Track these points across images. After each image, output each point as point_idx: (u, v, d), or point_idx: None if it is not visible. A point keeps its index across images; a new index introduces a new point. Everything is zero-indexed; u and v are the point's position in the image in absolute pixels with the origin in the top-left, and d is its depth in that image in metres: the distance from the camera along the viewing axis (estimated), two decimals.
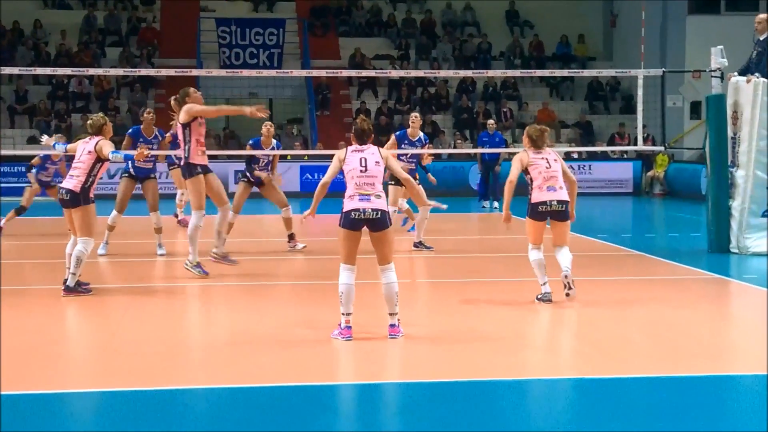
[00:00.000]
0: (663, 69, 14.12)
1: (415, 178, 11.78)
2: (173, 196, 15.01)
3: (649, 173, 21.52)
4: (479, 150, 18.00)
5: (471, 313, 8.04)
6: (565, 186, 8.38)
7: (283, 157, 12.21)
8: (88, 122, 9.03)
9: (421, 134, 12.09)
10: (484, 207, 18.02)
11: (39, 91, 23.04)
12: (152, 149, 11.35)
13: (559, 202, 8.27)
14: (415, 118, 12.15)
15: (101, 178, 8.91)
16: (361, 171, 6.93)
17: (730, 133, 11.52)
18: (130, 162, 11.08)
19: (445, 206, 11.37)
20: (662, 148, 13.51)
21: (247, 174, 11.53)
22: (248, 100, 23.98)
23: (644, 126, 13.68)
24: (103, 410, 5.46)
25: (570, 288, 8.21)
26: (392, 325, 6.95)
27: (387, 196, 8.57)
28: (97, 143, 8.72)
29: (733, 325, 8.10)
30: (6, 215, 13.20)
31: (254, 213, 15.14)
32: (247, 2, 26.35)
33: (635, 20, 22.58)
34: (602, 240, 12.76)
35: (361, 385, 5.98)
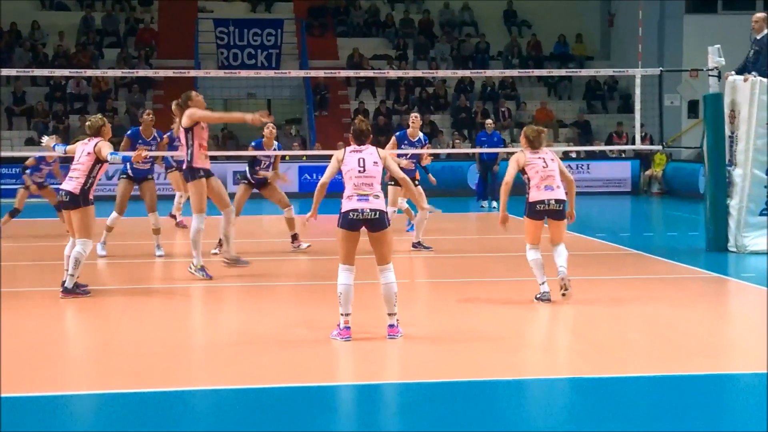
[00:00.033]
0: (660, 68, 14.15)
1: (416, 178, 11.85)
2: (171, 197, 15.02)
3: (647, 172, 21.54)
4: (478, 150, 18.02)
5: (470, 312, 8.05)
6: (562, 185, 8.41)
7: (281, 158, 12.21)
8: (87, 124, 9.04)
9: (421, 135, 12.10)
10: (482, 207, 18.04)
11: (37, 92, 23.03)
12: (151, 150, 11.36)
13: (557, 201, 8.30)
14: (415, 118, 12.16)
15: (99, 180, 8.91)
16: (359, 171, 6.94)
17: (727, 132, 11.54)
18: (128, 163, 11.07)
19: (439, 210, 11.40)
20: (660, 147, 13.52)
21: (248, 176, 11.51)
22: (246, 100, 24.02)
23: (642, 125, 13.69)
24: (103, 412, 5.47)
25: (566, 289, 8.25)
26: (391, 326, 6.96)
27: (386, 196, 8.60)
28: (95, 145, 8.73)
29: (731, 323, 8.11)
30: (2, 218, 13.19)
31: (254, 213, 15.13)
32: (245, 3, 26.34)
33: (633, 19, 22.56)
34: (601, 239, 12.77)
35: (360, 385, 5.99)
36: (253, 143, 11.64)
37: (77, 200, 8.59)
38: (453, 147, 21.22)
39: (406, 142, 11.87)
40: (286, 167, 19.74)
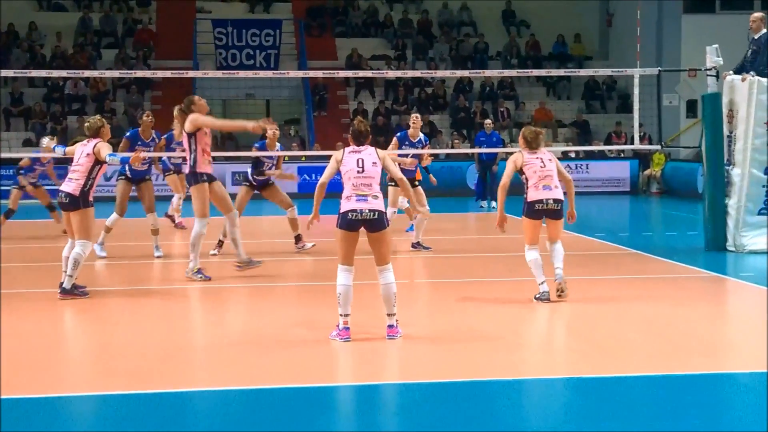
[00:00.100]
0: (659, 68, 14.14)
1: (417, 179, 11.85)
2: (169, 197, 15.00)
3: (646, 172, 21.55)
4: (477, 150, 18.02)
5: (469, 312, 8.05)
6: (560, 186, 8.42)
7: (271, 158, 12.17)
8: (86, 125, 9.03)
9: (422, 135, 12.11)
10: (482, 207, 18.04)
11: (34, 93, 23.01)
12: (149, 151, 11.36)
13: (555, 200, 8.33)
14: (415, 118, 12.16)
15: (98, 181, 8.90)
16: (358, 172, 6.94)
17: (725, 132, 11.55)
18: (126, 164, 11.07)
19: (429, 215, 11.45)
20: (659, 147, 13.52)
21: (249, 177, 11.49)
22: (245, 101, 24.02)
23: (641, 125, 13.69)
24: (102, 413, 5.47)
25: (563, 291, 8.29)
26: (390, 326, 6.96)
27: (386, 197, 8.60)
28: (95, 146, 8.73)
29: (730, 323, 8.12)
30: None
31: (255, 214, 15.12)
32: (244, 3, 26.34)
33: (631, 19, 22.58)
34: (600, 239, 12.78)
35: (359, 386, 5.99)
36: (256, 144, 11.62)
37: (77, 202, 8.59)
38: (452, 147, 21.22)
39: (407, 142, 11.89)
40: (285, 168, 19.70)
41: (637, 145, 13.75)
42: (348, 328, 6.89)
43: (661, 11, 23.64)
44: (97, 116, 9.34)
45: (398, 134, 12.14)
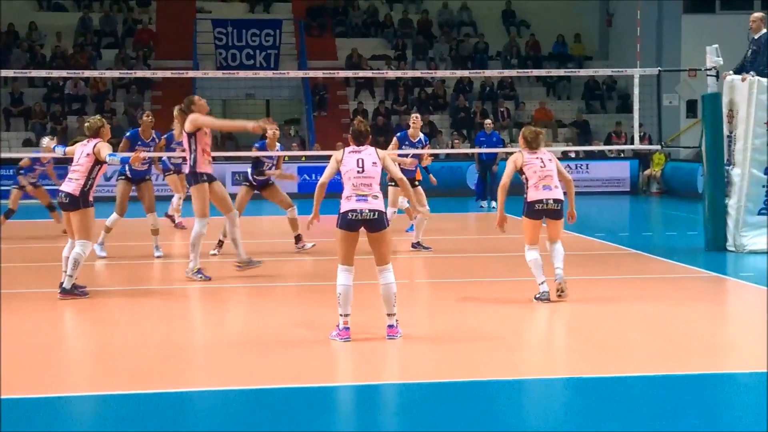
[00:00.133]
0: (659, 68, 14.14)
1: (417, 179, 11.84)
2: (169, 197, 15.00)
3: (646, 172, 21.55)
4: (477, 150, 18.02)
5: (469, 312, 8.05)
6: (561, 186, 8.43)
7: (272, 158, 12.17)
8: (86, 125, 9.03)
9: (422, 135, 12.11)
10: (482, 207, 18.04)
11: (34, 93, 23.01)
12: (149, 151, 11.37)
13: (555, 200, 8.34)
14: (415, 119, 12.15)
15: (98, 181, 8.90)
16: (358, 172, 6.94)
17: (725, 132, 11.55)
18: (126, 164, 11.07)
19: (429, 215, 11.47)
20: (659, 147, 13.51)
21: (250, 177, 11.49)
22: (245, 101, 24.01)
23: (641, 125, 13.70)
24: (102, 413, 5.47)
25: (563, 291, 8.31)
26: (390, 326, 6.96)
27: (386, 197, 8.60)
28: (95, 146, 8.73)
29: (730, 322, 8.12)
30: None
31: (254, 214, 15.13)
32: (244, 3, 26.33)
33: (631, 19, 22.57)
34: (600, 239, 12.78)
35: (359, 386, 5.99)
36: (256, 144, 11.62)
37: (77, 202, 8.59)
38: (452, 147, 21.22)
39: (407, 142, 11.88)
40: (285, 168, 19.70)
41: (637, 145, 13.75)
42: (348, 328, 6.89)
43: (661, 11, 23.64)
44: (97, 116, 9.34)
45: (398, 134, 12.14)
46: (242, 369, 6.25)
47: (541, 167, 8.36)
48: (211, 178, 9.53)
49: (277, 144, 11.62)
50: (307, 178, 19.74)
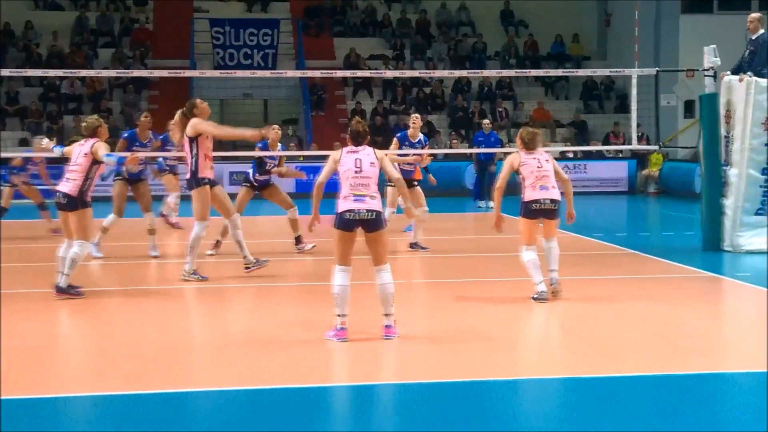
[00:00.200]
0: (657, 68, 14.13)
1: (415, 179, 11.83)
2: (162, 197, 14.96)
3: (644, 172, 21.55)
4: (475, 150, 18.01)
5: (467, 312, 8.04)
6: (558, 186, 8.43)
7: (273, 158, 12.15)
8: (83, 124, 9.02)
9: (422, 135, 12.08)
10: (479, 207, 18.04)
11: (30, 92, 22.97)
12: (146, 150, 11.37)
13: (552, 200, 8.34)
14: (415, 119, 12.13)
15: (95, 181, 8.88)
16: (355, 172, 6.93)
17: (723, 132, 11.55)
18: (122, 165, 11.05)
19: (425, 218, 11.49)
20: (656, 147, 13.51)
21: (251, 178, 11.45)
22: (242, 100, 23.99)
23: (639, 125, 13.70)
24: (99, 414, 5.45)
25: (557, 293, 8.34)
26: (387, 326, 6.95)
27: (384, 197, 8.59)
28: (92, 145, 8.71)
29: (727, 322, 8.12)
30: None
31: (253, 214, 15.11)
32: (241, 2, 26.31)
33: (629, 20, 22.58)
34: (597, 239, 12.77)
35: (356, 386, 5.98)
36: (259, 144, 11.61)
37: (75, 202, 8.57)
38: (450, 147, 21.21)
39: (406, 143, 11.87)
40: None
41: (635, 146, 13.75)
42: (345, 329, 6.88)
43: (659, 11, 23.65)
44: (95, 116, 9.33)
45: (398, 135, 12.13)
46: (239, 369, 6.23)
47: (538, 167, 8.36)
48: (212, 183, 9.53)
49: (279, 144, 11.63)
50: (305, 177, 19.68)
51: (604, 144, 21.51)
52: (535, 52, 25.55)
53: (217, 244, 11.26)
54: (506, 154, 10.22)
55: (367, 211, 6.85)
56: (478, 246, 12.58)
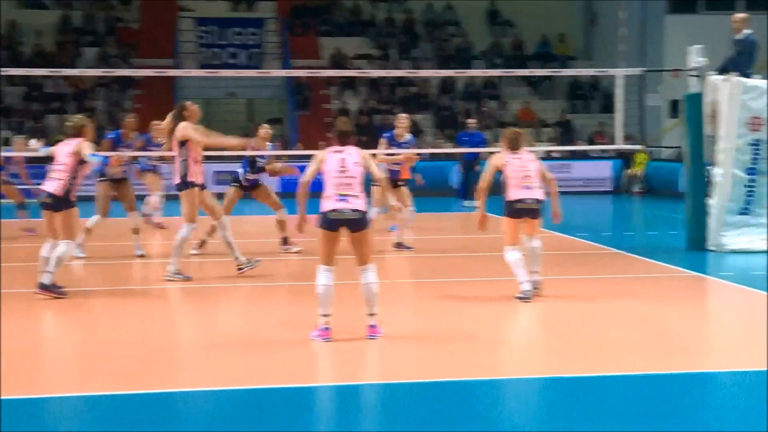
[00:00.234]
0: (642, 68, 14.19)
1: (401, 179, 11.81)
2: (143, 197, 14.87)
3: (629, 171, 21.60)
4: (460, 149, 18.01)
5: (450, 312, 8.03)
6: (543, 186, 8.45)
7: (263, 157, 12.11)
8: (68, 124, 8.97)
9: (409, 136, 12.05)
10: (464, 206, 18.05)
11: (14, 92, 22.81)
12: (129, 150, 11.33)
13: (536, 200, 8.36)
14: (402, 119, 12.09)
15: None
16: (340, 171, 6.91)
17: (708, 132, 11.59)
18: (105, 165, 10.99)
19: (403, 219, 11.51)
20: (641, 147, 13.55)
21: (240, 178, 11.40)
22: (227, 100, 23.92)
23: (624, 125, 13.73)
24: (84, 414, 5.41)
25: (538, 292, 8.37)
26: (371, 326, 6.93)
27: (370, 197, 8.57)
28: (77, 145, 8.67)
29: (710, 322, 8.14)
30: None
31: (240, 214, 15.04)
32: (227, 1, 26.23)
33: (615, 20, 22.68)
34: (582, 238, 12.80)
35: (339, 386, 5.95)
36: (252, 143, 11.56)
37: (60, 203, 8.53)
38: (435, 147, 21.21)
39: (393, 143, 11.83)
40: None
41: (619, 145, 13.79)
42: (328, 329, 6.85)
43: (644, 12, 23.74)
44: (80, 115, 9.28)
45: (385, 134, 12.09)
46: (222, 369, 6.20)
47: (521, 167, 8.39)
48: (202, 186, 9.51)
49: (269, 144, 11.60)
50: (297, 173, 19.66)
51: (589, 144, 21.58)
52: (520, 51, 25.60)
53: (202, 243, 11.21)
54: (491, 153, 10.21)
55: (352, 210, 6.83)
56: (462, 246, 12.58)
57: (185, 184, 9.37)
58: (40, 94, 22.67)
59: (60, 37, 24.29)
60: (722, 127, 11.39)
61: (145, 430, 5.01)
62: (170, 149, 9.65)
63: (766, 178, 11.39)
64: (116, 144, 11.36)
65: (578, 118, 24.05)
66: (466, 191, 18.31)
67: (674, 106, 23.13)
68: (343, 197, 6.86)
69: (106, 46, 24.21)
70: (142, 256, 11.15)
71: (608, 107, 23.43)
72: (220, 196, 10.93)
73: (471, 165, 18.21)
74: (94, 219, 11.18)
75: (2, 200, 14.01)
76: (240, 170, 11.44)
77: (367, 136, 20.64)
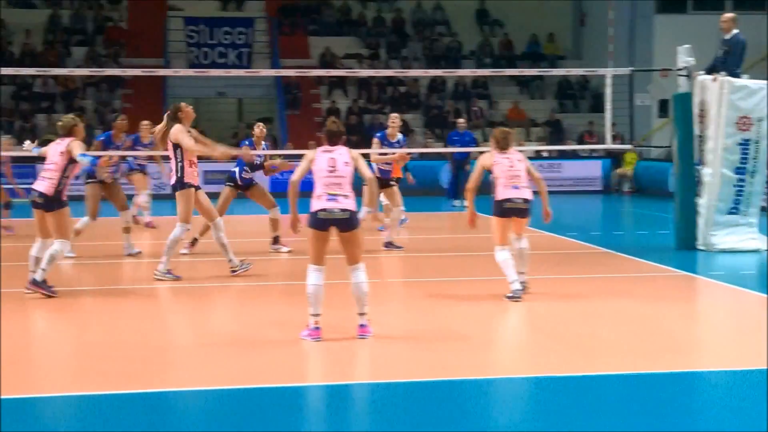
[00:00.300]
0: (631, 68, 14.21)
1: (392, 178, 11.81)
2: (131, 197, 14.80)
3: (618, 171, 21.66)
4: (450, 149, 18.02)
5: (441, 311, 8.03)
6: (531, 185, 8.47)
7: (259, 155, 12.09)
8: (59, 124, 8.94)
9: (400, 135, 12.05)
10: (454, 206, 18.06)
11: (3, 91, 22.70)
12: (118, 150, 11.30)
13: (524, 200, 8.38)
14: (394, 119, 12.09)
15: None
16: (329, 171, 6.91)
17: (696, 131, 11.62)
18: (95, 166, 10.93)
19: (385, 222, 11.54)
20: (631, 146, 13.58)
21: (236, 177, 11.36)
22: (217, 99, 23.85)
23: (613, 124, 13.77)
24: (76, 414, 5.39)
25: (524, 289, 8.41)
26: (362, 325, 6.93)
27: (361, 196, 8.56)
28: (68, 144, 8.64)
29: (700, 321, 8.17)
30: None
31: (231, 213, 15.00)
32: (216, 1, 26.17)
33: (604, 19, 22.75)
34: (572, 238, 12.82)
35: (330, 386, 5.95)
36: (246, 142, 11.54)
37: (51, 203, 8.52)
38: (425, 146, 21.21)
39: (385, 142, 11.83)
40: None
41: (609, 145, 13.82)
42: (318, 328, 6.84)
43: (633, 11, 23.80)
44: (71, 115, 9.25)
45: (377, 134, 12.09)
46: (213, 369, 6.18)
47: (510, 167, 8.40)
48: (197, 188, 9.51)
49: (263, 143, 11.59)
50: (279, 176, 19.61)
51: (578, 143, 21.61)
52: (510, 51, 25.63)
53: (194, 243, 11.18)
54: (481, 153, 10.23)
55: (341, 210, 6.83)
56: (452, 245, 12.59)
57: (181, 185, 9.38)
58: (29, 94, 22.56)
59: (49, 37, 24.19)
60: (711, 126, 11.43)
61: (137, 429, 5.00)
62: (165, 150, 9.64)
63: (754, 178, 11.44)
64: (106, 145, 11.33)
65: (568, 118, 24.09)
66: (456, 191, 18.32)
67: (663, 105, 23.20)
68: (332, 197, 6.85)
69: (95, 46, 24.12)
70: (138, 254, 11.15)
71: (597, 107, 23.51)
72: (211, 195, 10.87)
73: (461, 165, 18.22)
74: (83, 221, 11.13)
75: None
76: (235, 169, 11.42)
77: (356, 135, 20.64)
